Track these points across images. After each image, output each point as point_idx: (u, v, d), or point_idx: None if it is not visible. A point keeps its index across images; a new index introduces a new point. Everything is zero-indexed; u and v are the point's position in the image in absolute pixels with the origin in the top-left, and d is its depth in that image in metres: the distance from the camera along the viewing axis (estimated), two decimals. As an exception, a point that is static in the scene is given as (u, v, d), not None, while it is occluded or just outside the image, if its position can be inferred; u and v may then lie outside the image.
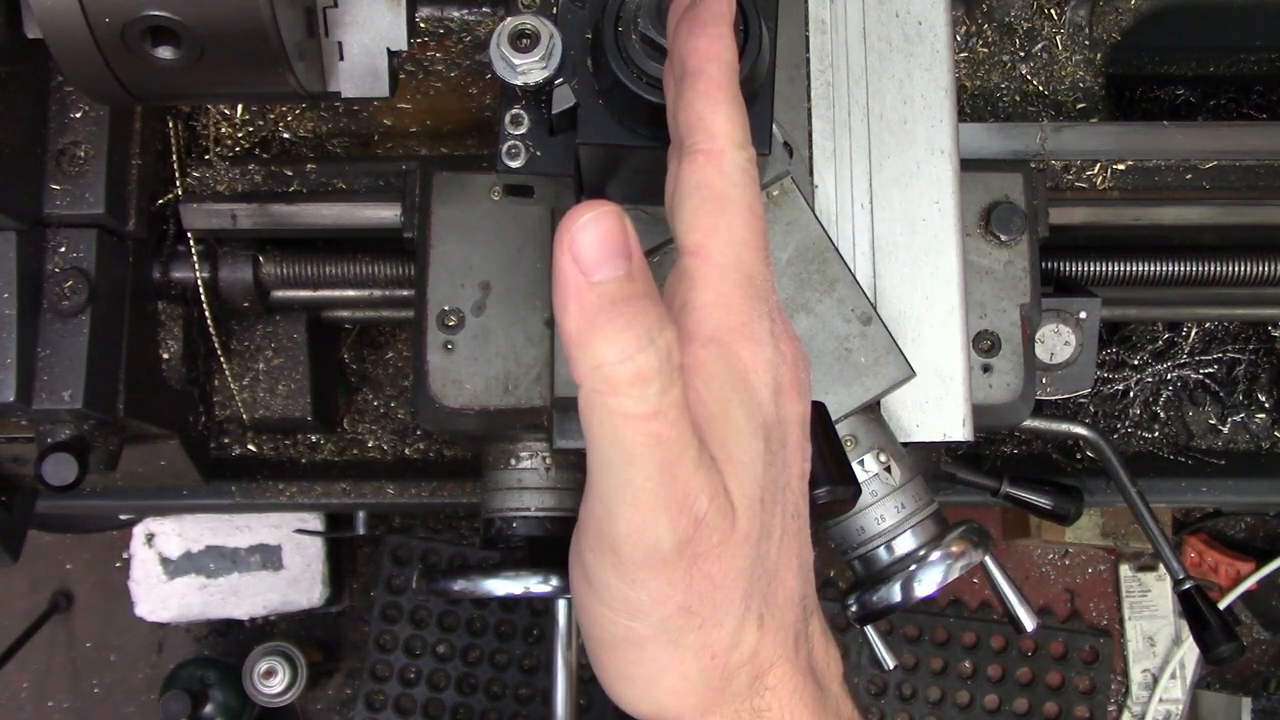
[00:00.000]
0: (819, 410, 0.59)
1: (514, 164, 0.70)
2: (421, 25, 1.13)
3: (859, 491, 0.59)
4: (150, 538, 1.73)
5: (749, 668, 0.51)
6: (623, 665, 0.51)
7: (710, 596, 0.49)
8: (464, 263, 0.96)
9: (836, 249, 0.84)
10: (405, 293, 1.13)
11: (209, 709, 1.67)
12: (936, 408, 0.89)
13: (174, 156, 1.06)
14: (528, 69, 0.67)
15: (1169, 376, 1.34)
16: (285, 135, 1.14)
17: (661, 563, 0.48)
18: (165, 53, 0.71)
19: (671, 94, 0.57)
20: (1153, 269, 1.13)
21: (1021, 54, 1.16)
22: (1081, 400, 1.32)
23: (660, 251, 0.82)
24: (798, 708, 0.52)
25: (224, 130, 1.12)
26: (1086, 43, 1.16)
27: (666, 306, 0.50)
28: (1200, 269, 1.13)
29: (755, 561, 0.50)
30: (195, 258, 1.09)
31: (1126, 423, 1.34)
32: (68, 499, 1.18)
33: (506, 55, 0.67)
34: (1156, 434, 1.34)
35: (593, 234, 0.46)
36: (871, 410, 0.86)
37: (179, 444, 1.13)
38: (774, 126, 0.69)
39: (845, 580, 1.84)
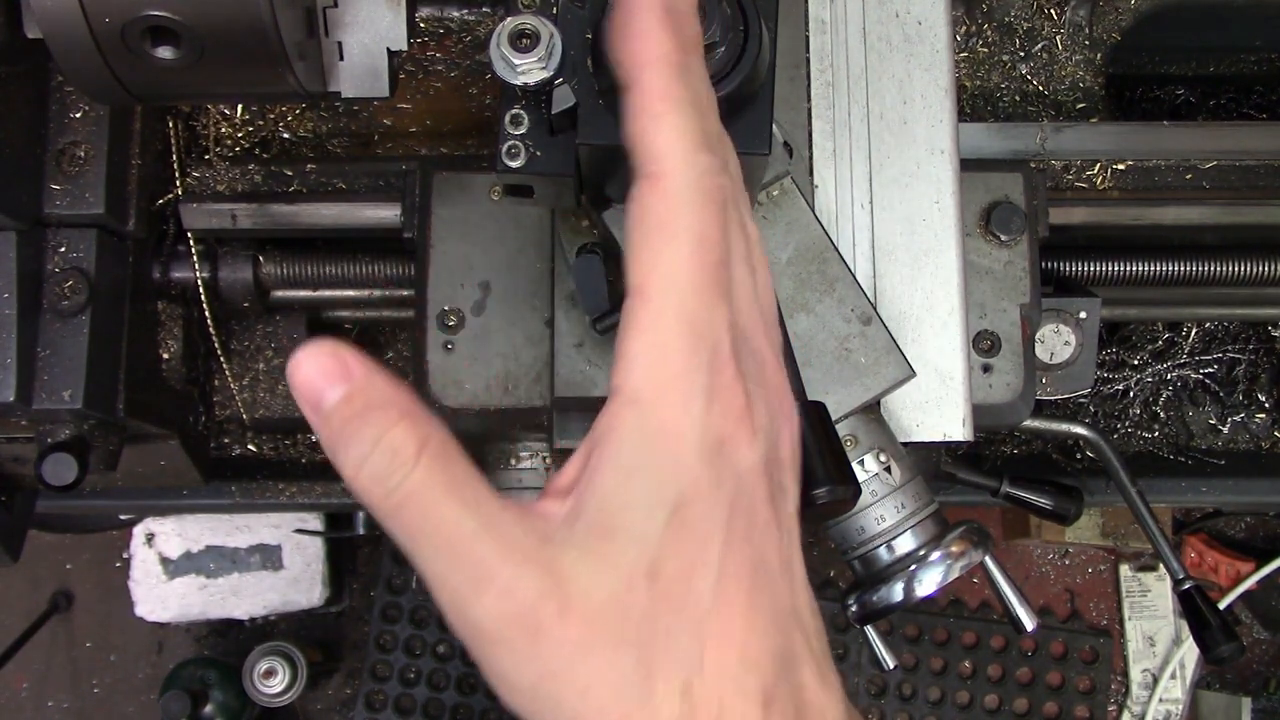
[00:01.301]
0: (819, 410, 0.59)
1: (514, 164, 0.70)
2: (421, 25, 1.13)
3: (859, 491, 0.59)
4: (150, 538, 1.73)
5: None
6: (560, 692, 0.47)
7: (581, 663, 0.46)
8: (464, 263, 0.96)
9: (836, 249, 0.84)
10: (405, 293, 1.13)
11: (209, 709, 1.67)
12: (936, 408, 0.89)
13: (174, 156, 1.06)
14: (528, 69, 0.67)
15: (1169, 376, 1.34)
16: (285, 135, 1.14)
17: (494, 640, 0.47)
18: (165, 53, 0.71)
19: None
20: (1153, 269, 1.13)
21: (1021, 54, 1.16)
22: (1081, 400, 1.32)
23: (660, 251, 0.82)
24: None
25: (224, 130, 1.12)
26: (1086, 43, 1.16)
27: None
28: (1200, 269, 1.13)
29: (643, 635, 0.46)
30: (195, 258, 1.09)
31: (1126, 423, 1.34)
32: (68, 499, 1.18)
33: (506, 55, 0.67)
34: (1156, 434, 1.34)
35: (307, 370, 0.50)
36: (871, 410, 0.86)
37: (179, 444, 1.13)
38: (774, 126, 0.69)
39: (845, 580, 1.84)
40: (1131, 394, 1.33)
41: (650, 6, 0.50)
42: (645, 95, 0.49)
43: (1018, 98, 1.15)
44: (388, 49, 0.82)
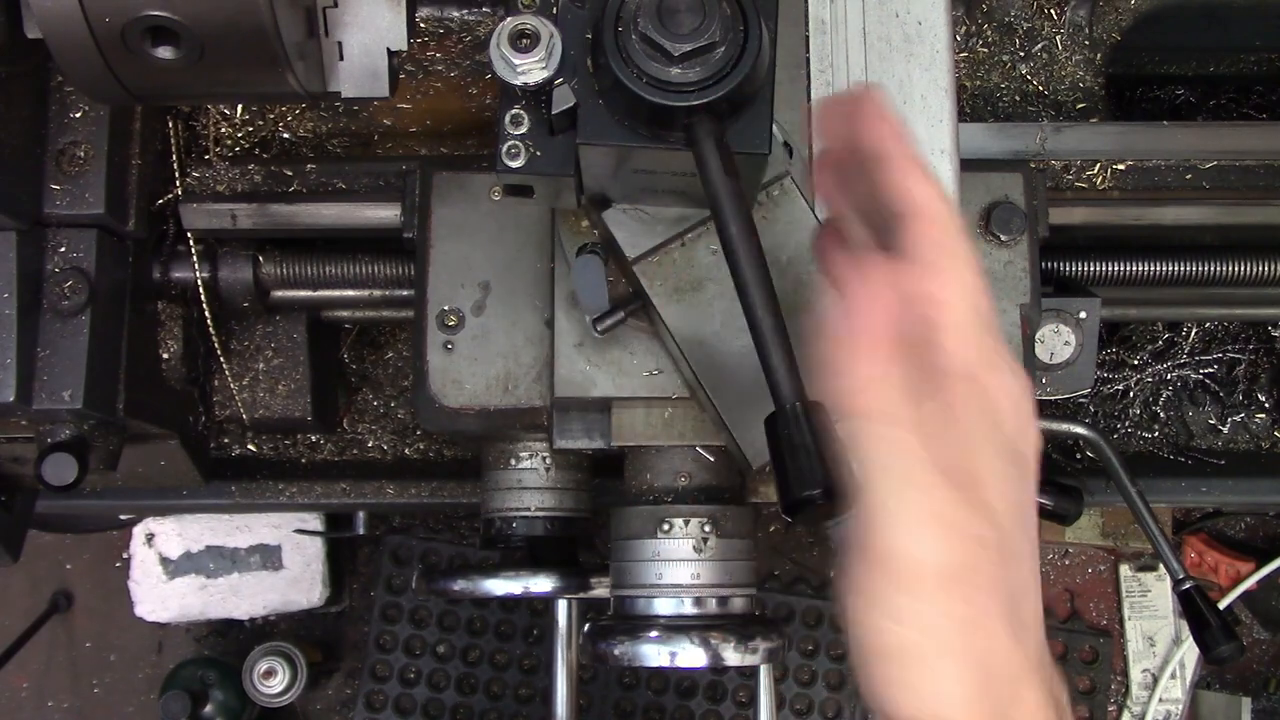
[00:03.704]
0: (819, 410, 0.59)
1: (514, 164, 0.70)
2: (421, 25, 1.13)
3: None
4: (150, 538, 1.73)
5: (1009, 682, 0.54)
6: (901, 674, 0.53)
7: (982, 608, 0.53)
8: (464, 263, 0.96)
9: (836, 249, 0.84)
10: (405, 293, 1.13)
11: (209, 709, 1.67)
12: (936, 408, 0.89)
13: (174, 156, 1.06)
14: (528, 69, 0.67)
15: (1169, 376, 1.34)
16: (285, 135, 1.14)
17: (940, 577, 0.52)
18: (165, 53, 0.71)
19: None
20: (1153, 269, 1.13)
21: (1021, 54, 1.15)
22: (1081, 400, 1.32)
23: (661, 251, 0.82)
24: None
25: (224, 130, 1.12)
26: (1086, 43, 1.16)
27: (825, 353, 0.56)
28: (1200, 269, 1.12)
29: (1010, 580, 0.54)
30: (195, 258, 1.09)
31: (1126, 423, 1.34)
32: (68, 499, 1.18)
33: (506, 55, 0.67)
34: (1156, 434, 1.34)
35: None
36: (871, 410, 0.86)
37: (179, 444, 1.13)
38: (774, 126, 0.69)
39: (845, 580, 1.83)
40: (1131, 394, 1.33)
41: (872, 99, 0.62)
42: (898, 160, 0.60)
43: (1018, 98, 1.15)
44: (388, 49, 0.82)
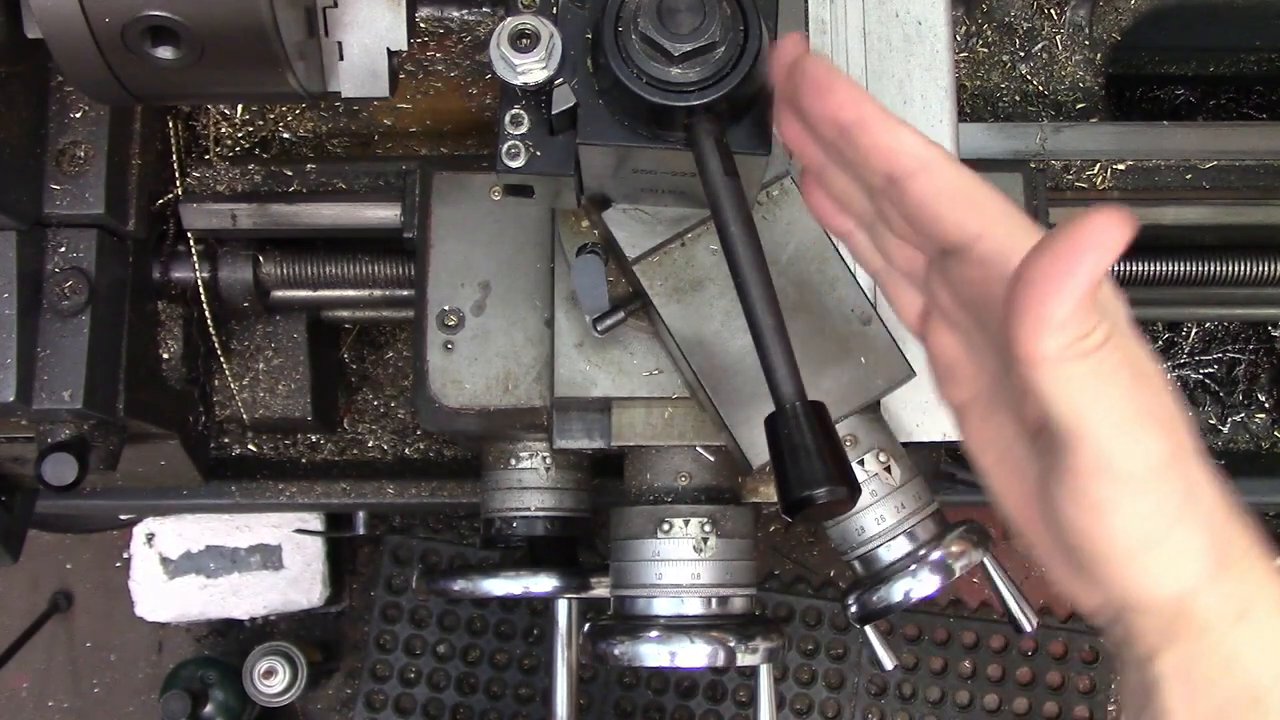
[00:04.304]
0: (819, 410, 0.59)
1: (514, 164, 0.70)
2: (421, 25, 1.13)
3: (859, 492, 0.59)
4: (150, 538, 1.73)
5: (1226, 531, 0.57)
6: (1144, 563, 0.55)
7: (1194, 478, 0.55)
8: (464, 263, 0.96)
9: (836, 249, 0.84)
10: (405, 293, 1.13)
11: (209, 709, 1.67)
12: (937, 408, 0.89)
13: (174, 156, 1.06)
14: (528, 69, 0.67)
15: (1169, 376, 1.34)
16: (285, 135, 1.14)
17: (1161, 464, 0.54)
18: (165, 53, 0.71)
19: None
20: (1153, 269, 1.13)
21: (1021, 54, 1.16)
22: (1081, 400, 1.32)
23: (661, 251, 0.82)
24: (1268, 568, 0.58)
25: (224, 130, 1.12)
26: (1086, 43, 1.16)
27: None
28: (1200, 269, 1.12)
29: (1194, 448, 0.56)
30: (195, 258, 1.09)
31: (1126, 423, 1.34)
32: (68, 499, 1.18)
33: (506, 55, 0.67)
34: (1156, 434, 1.34)
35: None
36: (871, 410, 0.86)
37: (179, 444, 1.13)
38: (774, 126, 0.69)
39: (845, 580, 1.84)
40: (1131, 394, 1.33)
41: (812, 70, 0.58)
42: (870, 124, 0.57)
43: (1018, 98, 1.15)
44: (388, 49, 0.82)
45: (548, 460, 1.03)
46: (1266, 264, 1.13)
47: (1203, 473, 0.56)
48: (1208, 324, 1.35)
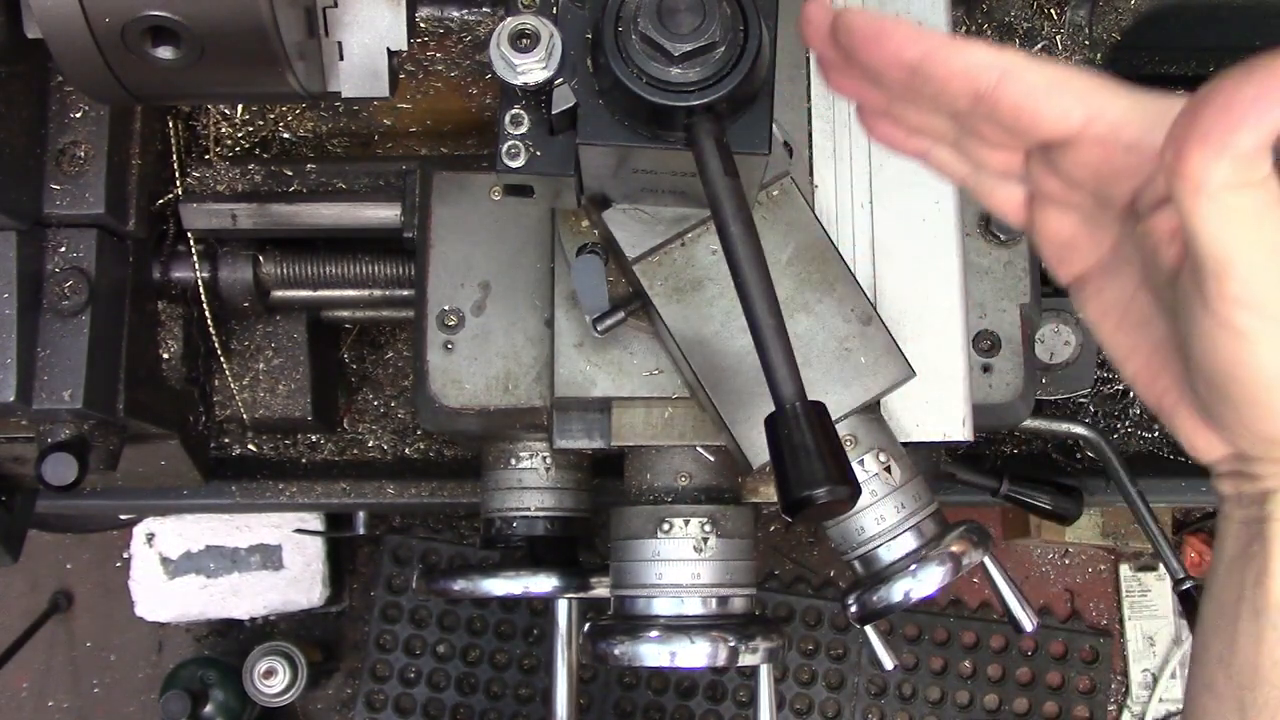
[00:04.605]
0: (819, 410, 0.59)
1: (514, 164, 0.70)
2: (421, 25, 1.13)
3: (859, 492, 0.59)
4: (150, 538, 1.73)
5: None
6: None
7: None
8: (464, 263, 0.96)
9: (836, 249, 0.84)
10: (405, 293, 1.13)
11: (209, 709, 1.67)
12: (936, 408, 0.89)
13: (174, 156, 1.06)
14: (528, 69, 0.67)
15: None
16: (285, 135, 1.14)
17: None
18: (165, 53, 0.71)
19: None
20: (1153, 269, 1.12)
21: (1021, 54, 1.15)
22: (1081, 400, 1.32)
23: (661, 251, 0.82)
24: None
25: (224, 130, 1.12)
26: (1086, 43, 1.16)
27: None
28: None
29: None
30: (195, 258, 1.09)
31: (1126, 423, 1.34)
32: (68, 499, 1.18)
33: (506, 55, 0.67)
34: (1156, 434, 1.34)
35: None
36: (871, 410, 0.86)
37: (179, 444, 1.13)
38: (774, 126, 0.69)
39: (845, 580, 1.84)
40: (1131, 394, 1.33)
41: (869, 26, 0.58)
42: (941, 51, 0.56)
43: (1018, 98, 1.15)
44: (388, 49, 0.82)
45: (548, 460, 1.03)
46: (1266, 264, 1.12)
47: None
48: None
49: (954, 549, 0.84)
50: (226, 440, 1.26)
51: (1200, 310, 0.54)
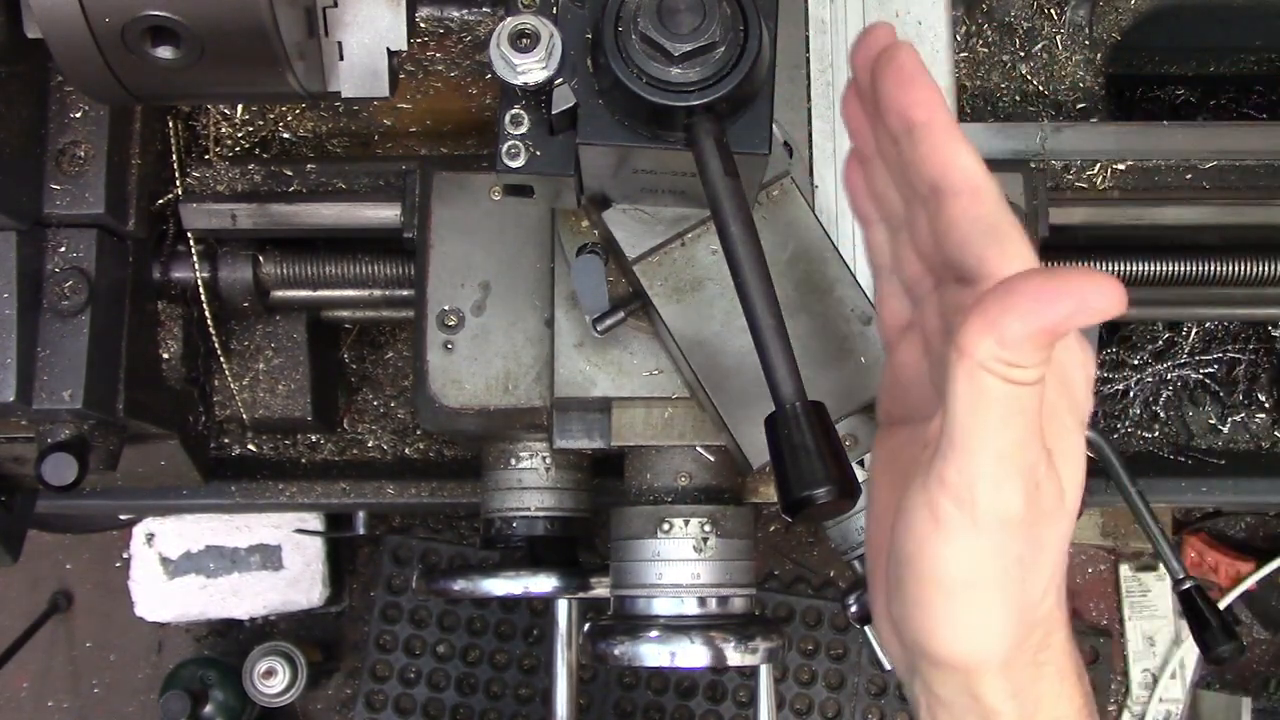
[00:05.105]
0: (819, 410, 0.59)
1: (514, 164, 0.70)
2: (421, 25, 1.13)
3: (859, 492, 0.59)
4: (150, 538, 1.73)
5: (1043, 627, 0.58)
6: (953, 608, 0.55)
7: (1035, 558, 0.55)
8: (464, 263, 0.96)
9: (836, 249, 0.84)
10: (405, 293, 1.13)
11: (209, 709, 1.67)
12: (936, 408, 0.89)
13: (174, 156, 1.06)
14: (528, 69, 0.67)
15: (1169, 376, 1.34)
16: (285, 135, 1.14)
17: (1013, 522, 0.54)
18: (165, 53, 0.71)
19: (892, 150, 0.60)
20: (1153, 269, 1.12)
21: (1021, 54, 1.15)
22: (1081, 400, 1.32)
23: (661, 251, 0.82)
24: (1068, 666, 0.60)
25: (224, 130, 1.12)
26: (1086, 43, 1.16)
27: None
28: (1200, 269, 1.12)
29: (1060, 538, 0.57)
30: (195, 258, 1.09)
31: (1126, 423, 1.34)
32: (68, 499, 1.18)
33: (506, 55, 0.67)
34: (1156, 434, 1.34)
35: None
36: (871, 410, 0.86)
37: (179, 444, 1.13)
38: (774, 126, 0.69)
39: (845, 580, 1.84)
40: (1131, 394, 1.33)
41: (900, 59, 0.58)
42: (937, 129, 0.58)
43: (1018, 98, 1.15)
44: (388, 49, 0.82)
45: (548, 460, 1.03)
46: (1266, 264, 1.13)
47: (1052, 578, 0.57)
48: (1208, 324, 1.34)
49: (954, 549, 0.84)
50: (226, 440, 1.26)
51: (917, 483, 0.54)
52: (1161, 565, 1.85)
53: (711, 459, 0.91)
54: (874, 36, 0.60)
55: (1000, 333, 0.49)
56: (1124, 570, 1.88)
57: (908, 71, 0.57)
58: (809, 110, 0.91)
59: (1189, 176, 1.07)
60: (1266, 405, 1.35)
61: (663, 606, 0.88)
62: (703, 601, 0.88)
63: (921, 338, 0.62)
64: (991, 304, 0.50)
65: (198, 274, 1.10)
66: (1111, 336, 1.34)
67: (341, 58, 0.82)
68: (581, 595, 1.03)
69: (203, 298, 1.10)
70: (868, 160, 0.64)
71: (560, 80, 0.68)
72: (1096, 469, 1.27)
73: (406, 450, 1.31)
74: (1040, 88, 1.16)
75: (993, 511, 0.53)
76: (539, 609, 1.82)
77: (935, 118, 0.57)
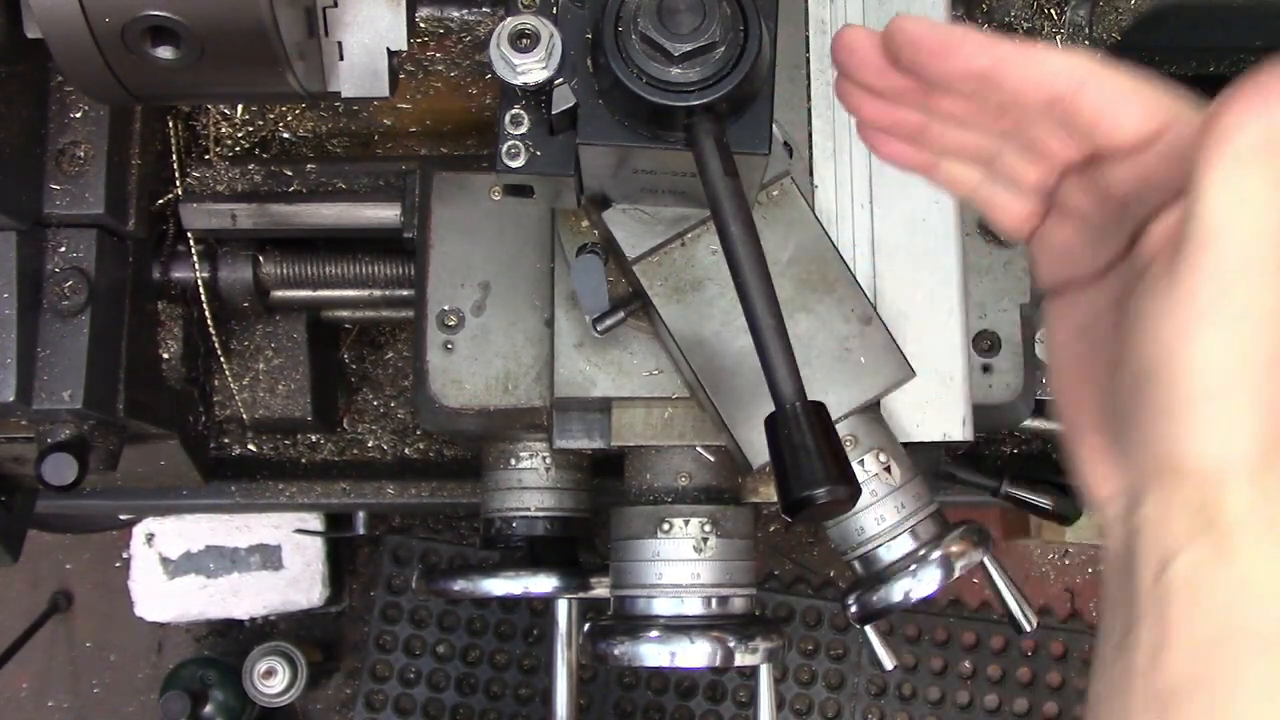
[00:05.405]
0: (819, 410, 0.59)
1: (514, 164, 0.70)
2: (421, 25, 1.13)
3: (859, 492, 0.59)
4: (150, 538, 1.73)
5: None
6: (1204, 412, 0.52)
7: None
8: (464, 263, 0.96)
9: (836, 249, 0.84)
10: (405, 293, 1.13)
11: (209, 709, 1.67)
12: (936, 408, 0.89)
13: (174, 156, 1.06)
14: (528, 69, 0.67)
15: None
16: (285, 135, 1.14)
17: (1265, 316, 0.51)
18: (165, 53, 0.71)
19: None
20: (1153, 269, 1.12)
21: (1021, 54, 1.15)
22: (1081, 400, 1.32)
23: (661, 251, 0.82)
24: None
25: (224, 130, 1.12)
26: (1086, 43, 1.16)
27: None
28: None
29: None
30: (195, 258, 1.09)
31: (1126, 423, 1.34)
32: (68, 499, 1.18)
33: (506, 55, 0.67)
34: (1156, 434, 1.34)
35: None
36: (871, 410, 0.86)
37: (179, 444, 1.13)
38: (774, 126, 0.69)
39: (845, 580, 1.84)
40: (1131, 394, 1.33)
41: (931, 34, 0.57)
42: (1013, 56, 0.57)
43: (1018, 98, 1.15)
44: (388, 49, 0.82)
45: (548, 460, 1.03)
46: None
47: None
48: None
49: (954, 549, 0.84)
50: (226, 440, 1.26)
51: (1155, 292, 0.52)
52: (1161, 565, 1.84)
53: (711, 459, 0.91)
54: (853, 41, 0.59)
55: (1270, 119, 0.49)
56: (1124, 570, 1.87)
57: (937, 41, 0.57)
58: (809, 110, 0.91)
59: (1189, 176, 1.07)
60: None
61: (663, 606, 0.88)
62: (703, 601, 0.88)
63: (1066, 215, 0.61)
64: (1254, 92, 0.49)
65: (198, 274, 1.10)
66: (1111, 336, 1.34)
67: (341, 58, 0.82)
68: (581, 595, 1.03)
69: (203, 298, 1.10)
70: (897, 126, 0.63)
71: (560, 80, 0.68)
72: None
73: (406, 450, 1.31)
74: (1040, 88, 1.15)
75: (1246, 306, 0.51)
76: (539, 609, 1.82)
77: (996, 53, 0.56)
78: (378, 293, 1.15)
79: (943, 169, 0.64)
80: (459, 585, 1.03)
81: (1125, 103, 0.56)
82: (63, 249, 0.96)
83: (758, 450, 0.81)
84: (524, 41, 0.67)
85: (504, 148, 0.70)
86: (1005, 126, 0.60)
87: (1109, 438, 0.57)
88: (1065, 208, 0.61)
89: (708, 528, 0.88)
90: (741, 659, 0.87)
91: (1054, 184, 0.61)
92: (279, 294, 1.14)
